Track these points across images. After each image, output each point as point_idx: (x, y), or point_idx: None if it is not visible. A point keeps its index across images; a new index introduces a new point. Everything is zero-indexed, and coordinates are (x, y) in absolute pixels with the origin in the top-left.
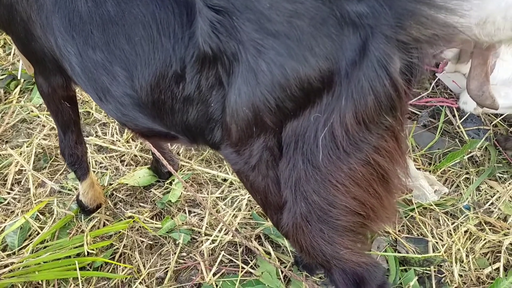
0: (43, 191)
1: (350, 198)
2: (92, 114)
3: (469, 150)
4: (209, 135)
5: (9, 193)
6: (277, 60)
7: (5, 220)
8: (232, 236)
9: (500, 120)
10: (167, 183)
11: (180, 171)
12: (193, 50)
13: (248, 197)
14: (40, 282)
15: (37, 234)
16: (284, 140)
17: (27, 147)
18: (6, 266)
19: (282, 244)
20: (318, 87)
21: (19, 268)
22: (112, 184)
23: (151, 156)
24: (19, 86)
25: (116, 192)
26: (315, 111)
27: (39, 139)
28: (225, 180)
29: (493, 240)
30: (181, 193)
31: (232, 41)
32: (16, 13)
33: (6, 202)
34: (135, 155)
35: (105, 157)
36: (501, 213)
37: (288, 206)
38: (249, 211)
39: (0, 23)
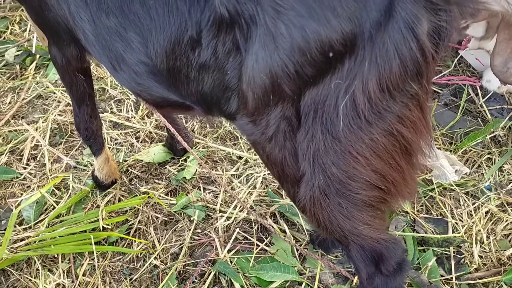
0: (59, 167)
1: (370, 170)
2: (107, 90)
3: (492, 130)
4: (225, 105)
5: (25, 168)
6: (297, 21)
7: (21, 194)
8: (247, 213)
9: None
10: (182, 160)
11: (195, 148)
12: (209, 13)
13: (263, 175)
14: (56, 256)
15: (53, 209)
16: (303, 109)
17: (42, 122)
18: (22, 239)
19: (298, 222)
20: (340, 50)
21: (35, 242)
22: (127, 160)
23: (166, 133)
24: (34, 62)
25: (131, 168)
26: (336, 78)
27: (55, 115)
28: (240, 157)
29: None
30: (196, 170)
31: (250, 2)
32: None
33: (22, 177)
34: (150, 132)
35: (120, 133)
36: None
37: (305, 179)
38: (264, 188)
39: None
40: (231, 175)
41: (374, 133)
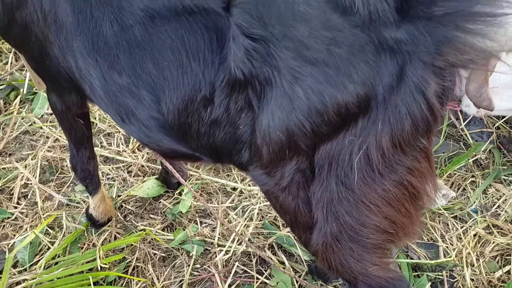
0: (51, 205)
1: (382, 217)
2: (96, 124)
3: (474, 153)
4: (236, 155)
5: (16, 208)
6: (315, 87)
7: (14, 235)
8: (246, 246)
9: (502, 122)
10: (176, 194)
11: (189, 180)
12: (224, 75)
13: (259, 206)
14: None
15: (48, 249)
16: (317, 162)
17: (32, 159)
18: (18, 283)
19: (296, 253)
20: (355, 111)
21: (31, 286)
22: (120, 195)
23: (159, 166)
24: (19, 97)
25: (125, 204)
26: (350, 134)
27: (44, 151)
28: (234, 189)
29: (502, 243)
30: (191, 203)
31: (266, 67)
32: (31, 33)
33: (13, 217)
34: (142, 165)
35: (112, 168)
36: (507, 216)
37: (318, 226)
38: (260, 220)
39: (13, 41)
40: (227, 207)
41: (386, 184)
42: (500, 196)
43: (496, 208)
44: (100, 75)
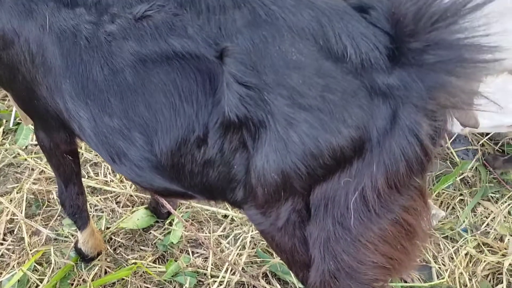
0: (38, 240)
1: (379, 255)
2: (82, 154)
3: (461, 172)
4: (230, 194)
5: (2, 244)
6: (310, 132)
7: (1, 273)
8: (240, 276)
9: (486, 139)
10: (166, 224)
11: (179, 209)
12: (217, 117)
13: (251, 234)
14: None
15: (37, 287)
16: (313, 203)
17: (17, 193)
18: None
19: (290, 281)
20: (350, 155)
21: None
22: (109, 227)
23: (149, 196)
24: (2, 127)
25: (115, 236)
26: (345, 176)
27: (29, 184)
28: (225, 216)
29: (492, 261)
30: (182, 233)
31: (261, 111)
32: (18, 73)
33: (0, 253)
34: (131, 195)
35: (100, 199)
36: (497, 234)
37: (315, 265)
38: (253, 248)
39: (0, 81)
40: (219, 235)
41: (382, 223)
42: (488, 214)
43: (485, 226)
44: (90, 117)
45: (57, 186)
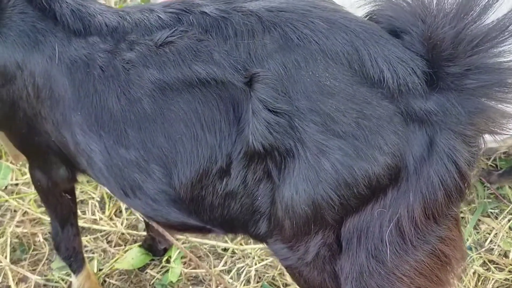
0: (26, 287)
1: (414, 287)
2: None
3: None
4: (252, 227)
5: None
6: (344, 160)
7: None
8: None
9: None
10: (163, 261)
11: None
12: (241, 147)
13: (256, 268)
14: None
15: None
16: (344, 235)
17: (0, 237)
18: None
19: None
20: (385, 183)
21: None
22: (102, 269)
23: (141, 233)
24: None
25: (109, 278)
26: (379, 206)
27: (12, 227)
28: (225, 249)
29: (500, 279)
30: (182, 270)
31: (289, 140)
32: (18, 109)
33: None
34: (122, 233)
35: (89, 239)
36: (501, 250)
37: None
38: (258, 282)
39: None
40: (220, 270)
41: (419, 255)
42: (490, 230)
43: (489, 243)
44: (103, 149)
45: (50, 228)
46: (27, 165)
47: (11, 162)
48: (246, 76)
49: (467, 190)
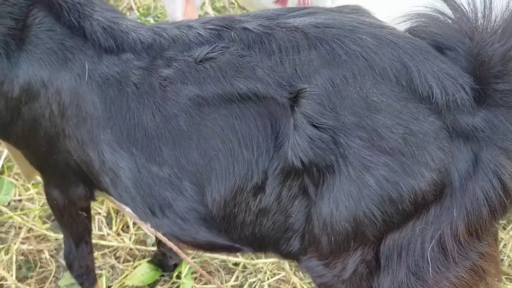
0: None
1: None
2: None
3: None
4: (284, 245)
5: None
6: (390, 176)
7: None
8: None
9: None
10: (174, 277)
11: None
12: (278, 162)
13: (268, 282)
14: None
15: None
16: (383, 252)
17: (5, 254)
18: None
19: None
20: (430, 200)
21: None
22: (111, 286)
23: (151, 248)
24: None
25: None
26: (421, 222)
27: (17, 244)
28: (236, 264)
29: None
30: (193, 285)
31: (331, 155)
32: (39, 127)
33: None
34: (131, 249)
35: (97, 255)
36: (511, 260)
37: None
38: None
39: (14, 137)
40: (232, 286)
41: (459, 271)
42: (499, 241)
43: (500, 254)
44: (134, 167)
45: (63, 246)
46: (36, 183)
47: (13, 177)
48: (292, 92)
49: (510, 206)
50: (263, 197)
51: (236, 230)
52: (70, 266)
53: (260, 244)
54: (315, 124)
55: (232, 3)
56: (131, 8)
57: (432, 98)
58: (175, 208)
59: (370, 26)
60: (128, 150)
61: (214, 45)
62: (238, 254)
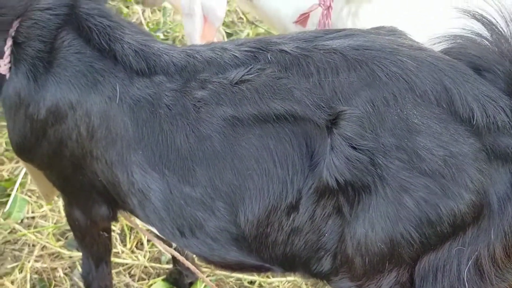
0: None
1: None
2: None
3: None
4: (315, 264)
5: None
6: (429, 198)
7: None
8: None
9: None
10: None
11: (200, 278)
12: (313, 182)
13: None
14: None
15: None
16: (418, 273)
17: (19, 273)
18: None
19: None
20: (468, 221)
21: None
22: None
23: (166, 266)
24: None
25: None
26: (457, 244)
27: (31, 262)
28: (252, 282)
29: None
30: None
31: (368, 176)
32: (65, 149)
33: None
34: (145, 267)
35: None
36: None
37: None
38: None
39: (39, 160)
40: None
41: None
42: None
43: None
44: (165, 188)
45: (82, 265)
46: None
47: (26, 194)
48: (331, 114)
49: None
50: (297, 216)
51: (267, 249)
52: (88, 286)
53: (291, 263)
54: (354, 145)
55: (241, 18)
56: (140, 23)
57: (473, 120)
58: (206, 229)
59: (410, 48)
60: (160, 171)
61: (250, 67)
62: (264, 273)
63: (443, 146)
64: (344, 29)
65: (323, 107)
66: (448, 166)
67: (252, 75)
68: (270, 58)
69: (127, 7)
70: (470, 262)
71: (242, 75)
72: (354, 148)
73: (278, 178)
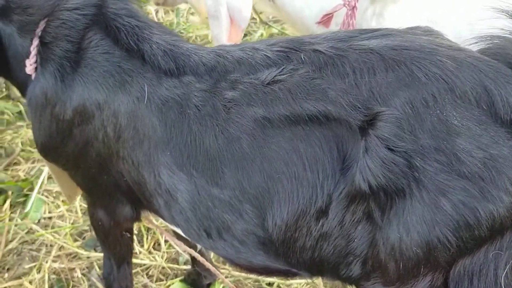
0: None
1: None
2: None
3: None
4: (344, 269)
5: None
6: (468, 201)
7: None
8: None
9: None
10: None
11: (219, 279)
12: (344, 186)
13: None
14: None
15: None
16: (453, 278)
17: (37, 273)
18: None
19: None
20: (507, 225)
21: None
22: None
23: (183, 267)
24: (8, 200)
25: None
26: (494, 248)
27: (49, 263)
28: (270, 284)
29: None
30: None
31: (403, 179)
32: (91, 149)
33: None
34: (163, 267)
35: None
36: None
37: None
38: None
39: (64, 160)
40: None
41: None
42: None
43: None
44: (193, 189)
45: (103, 266)
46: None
47: (43, 194)
48: (367, 115)
49: None
50: (326, 221)
51: (295, 254)
52: (109, 287)
53: (319, 268)
54: (391, 147)
55: (254, 18)
56: None
57: None
58: (233, 231)
59: (449, 48)
60: (188, 172)
61: (282, 67)
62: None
63: (483, 148)
64: (380, 29)
65: (359, 107)
66: (488, 168)
67: (285, 76)
68: (304, 58)
69: (141, 7)
70: (507, 267)
71: (275, 76)
72: (391, 150)
73: (308, 182)
